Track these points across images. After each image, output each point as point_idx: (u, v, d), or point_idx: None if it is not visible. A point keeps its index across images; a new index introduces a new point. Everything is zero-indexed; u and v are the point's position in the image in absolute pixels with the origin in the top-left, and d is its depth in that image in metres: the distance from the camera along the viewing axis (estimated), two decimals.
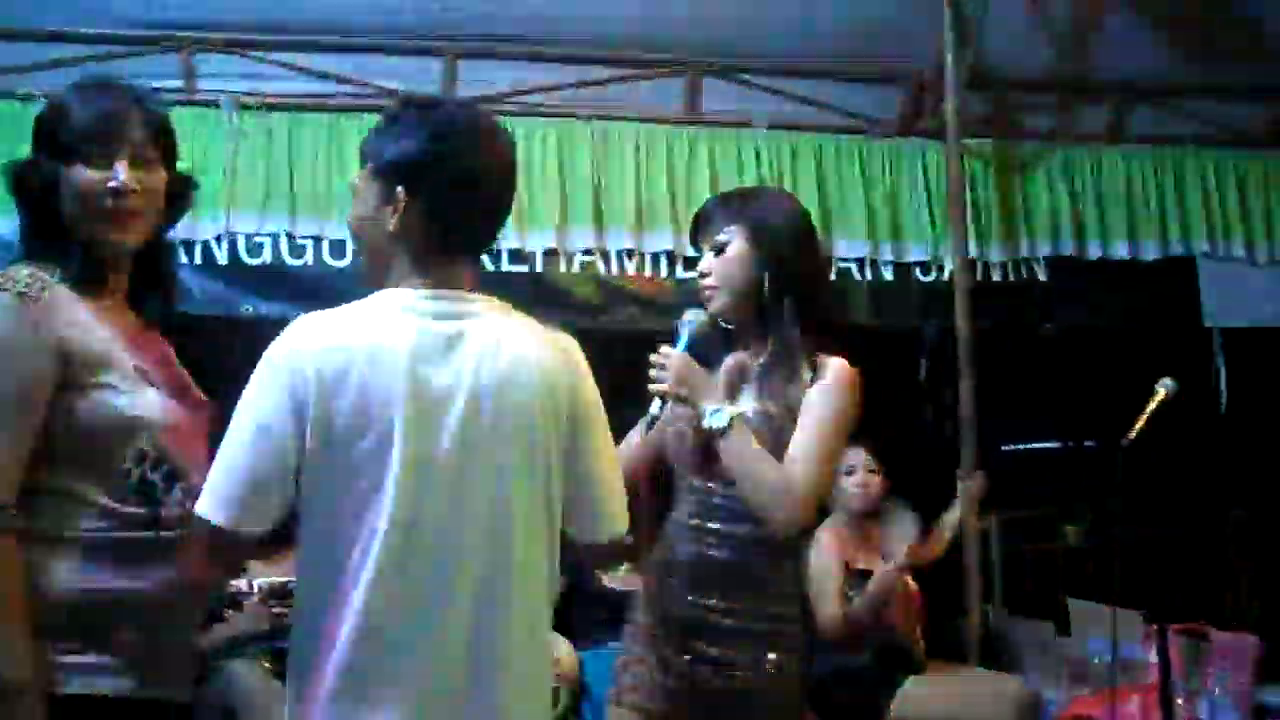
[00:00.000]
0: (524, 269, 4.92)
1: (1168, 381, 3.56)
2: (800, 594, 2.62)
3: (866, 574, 4.37)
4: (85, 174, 2.05)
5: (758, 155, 5.11)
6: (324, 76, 4.80)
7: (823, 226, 5.07)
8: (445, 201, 1.96)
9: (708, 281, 2.70)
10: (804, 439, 2.51)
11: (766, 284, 2.62)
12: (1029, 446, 7.68)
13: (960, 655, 4.76)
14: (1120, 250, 5.48)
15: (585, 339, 2.20)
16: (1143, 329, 5.72)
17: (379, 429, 1.84)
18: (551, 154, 4.92)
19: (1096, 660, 4.56)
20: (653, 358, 2.61)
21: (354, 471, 1.84)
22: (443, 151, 1.97)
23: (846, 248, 5.20)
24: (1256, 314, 5.65)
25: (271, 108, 4.76)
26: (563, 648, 4.23)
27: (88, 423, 1.96)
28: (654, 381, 2.58)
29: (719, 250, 2.67)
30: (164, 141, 2.16)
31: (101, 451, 1.97)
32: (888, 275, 5.30)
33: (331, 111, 4.79)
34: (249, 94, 4.74)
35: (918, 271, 5.34)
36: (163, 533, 2.01)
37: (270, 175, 4.73)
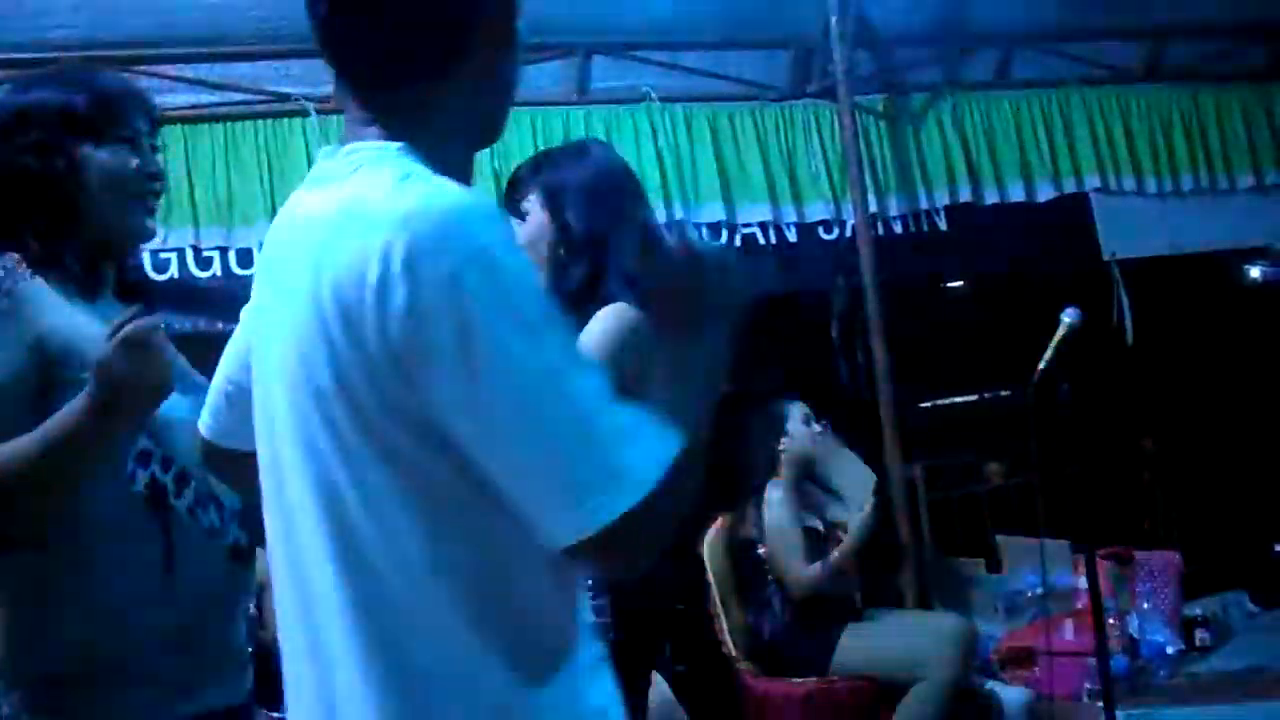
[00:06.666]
0: None
1: (1072, 311, 3.52)
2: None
3: (811, 532, 4.43)
4: (119, 157, 1.95)
5: (654, 129, 5.10)
6: (216, 86, 4.75)
7: (724, 194, 5.14)
8: None
9: None
10: None
11: (560, 249, 2.56)
12: (945, 401, 7.77)
13: (897, 600, 4.85)
14: (1015, 192, 5.59)
15: None
16: (1045, 268, 5.84)
17: None
18: None
19: (1029, 593, 4.68)
20: None
21: None
22: None
23: (749, 212, 5.22)
24: (1151, 245, 5.79)
25: (162, 121, 4.68)
26: None
27: None
28: None
29: (522, 217, 2.61)
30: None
31: None
32: (792, 237, 5.33)
33: (225, 120, 4.73)
34: None
35: (821, 231, 5.37)
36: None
37: (169, 189, 4.65)
